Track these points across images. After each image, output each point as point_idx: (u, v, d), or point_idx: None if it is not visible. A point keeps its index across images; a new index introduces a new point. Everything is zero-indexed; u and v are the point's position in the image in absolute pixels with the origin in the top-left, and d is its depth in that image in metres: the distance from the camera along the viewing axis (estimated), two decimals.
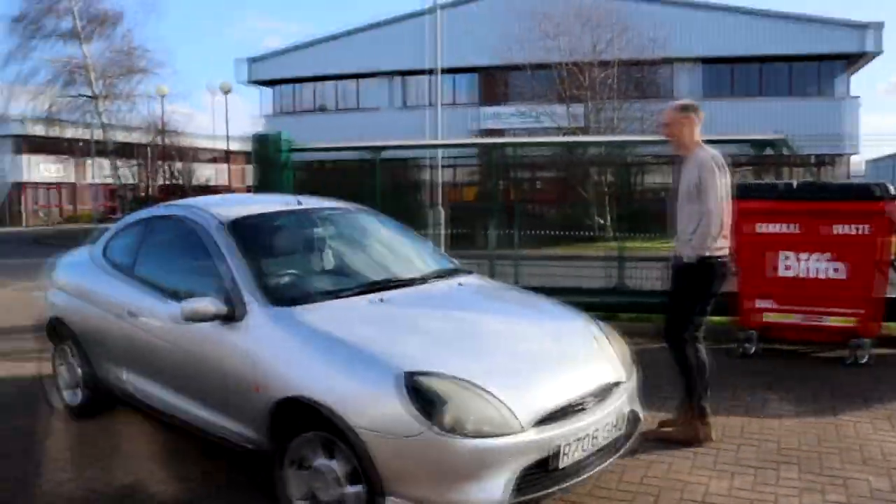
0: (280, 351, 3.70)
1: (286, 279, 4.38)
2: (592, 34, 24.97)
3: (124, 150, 33.12)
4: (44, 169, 44.70)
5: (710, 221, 4.48)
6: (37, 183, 45.87)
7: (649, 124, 22.20)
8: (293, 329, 3.75)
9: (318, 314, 3.85)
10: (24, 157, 44.48)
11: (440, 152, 13.44)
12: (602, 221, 13.42)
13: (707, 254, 4.53)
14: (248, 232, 4.43)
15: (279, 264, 4.52)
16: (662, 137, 5.00)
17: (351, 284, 4.42)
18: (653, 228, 9.74)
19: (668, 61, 26.60)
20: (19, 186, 44.81)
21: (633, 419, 3.90)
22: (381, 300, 4.08)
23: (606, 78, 24.69)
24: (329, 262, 4.88)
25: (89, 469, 4.49)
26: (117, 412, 5.34)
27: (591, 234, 12.67)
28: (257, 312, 3.87)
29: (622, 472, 4.14)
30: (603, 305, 7.48)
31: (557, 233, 11.90)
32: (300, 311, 3.86)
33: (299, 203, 5.06)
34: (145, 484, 4.25)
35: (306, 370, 3.54)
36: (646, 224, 9.89)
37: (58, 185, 46.83)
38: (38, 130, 36.47)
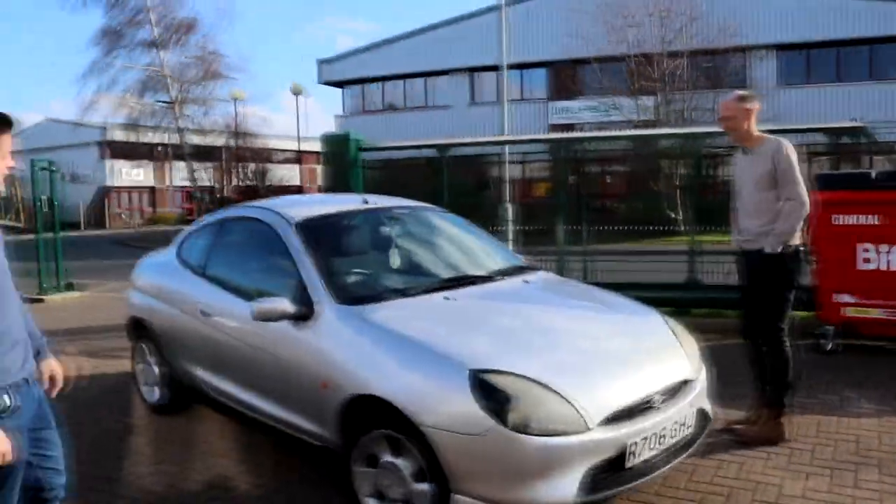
0: (350, 349, 3.75)
1: (356, 278, 4.45)
2: (662, 24, 24.50)
3: (201, 154, 33.99)
4: (126, 173, 46.29)
5: (803, 203, 4.38)
6: (120, 187, 47.59)
7: None
8: (363, 327, 3.80)
9: (388, 312, 3.90)
10: (109, 163, 46.21)
11: (508, 149, 13.38)
12: (674, 215, 13.19)
13: (791, 242, 4.44)
14: (317, 232, 4.50)
15: (349, 263, 4.59)
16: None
17: (419, 283, 4.47)
18: (727, 221, 9.51)
19: (741, 49, 25.86)
20: (104, 190, 46.50)
21: (704, 417, 3.84)
22: (450, 298, 4.11)
23: (676, 69, 24.21)
24: (397, 260, 4.94)
25: (167, 463, 4.65)
26: (195, 409, 5.50)
27: (663, 228, 12.45)
28: (328, 311, 3.93)
29: (692, 471, 4.08)
30: (675, 301, 7.37)
31: (628, 228, 11.70)
32: (370, 309, 3.91)
33: (368, 202, 5.13)
34: (221, 478, 4.38)
35: (376, 368, 3.59)
36: (719, 217, 9.66)
37: (140, 189, 48.50)
38: (120, 136, 37.77)
